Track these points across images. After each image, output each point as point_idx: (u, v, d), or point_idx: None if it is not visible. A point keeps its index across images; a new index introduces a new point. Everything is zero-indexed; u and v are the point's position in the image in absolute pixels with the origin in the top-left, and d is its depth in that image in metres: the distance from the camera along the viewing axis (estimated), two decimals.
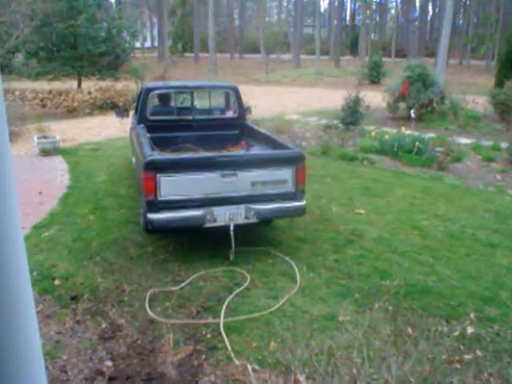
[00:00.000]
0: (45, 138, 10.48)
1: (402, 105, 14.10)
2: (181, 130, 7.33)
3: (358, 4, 60.30)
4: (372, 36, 51.90)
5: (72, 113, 16.86)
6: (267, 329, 3.91)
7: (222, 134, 7.42)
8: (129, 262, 5.16)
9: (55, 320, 4.11)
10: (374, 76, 26.33)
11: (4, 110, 0.77)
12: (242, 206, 5.15)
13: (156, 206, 4.93)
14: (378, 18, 55.92)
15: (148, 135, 6.33)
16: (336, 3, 50.52)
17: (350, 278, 4.79)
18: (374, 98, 14.22)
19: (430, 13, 56.95)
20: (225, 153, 6.48)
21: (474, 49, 40.92)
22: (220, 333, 3.85)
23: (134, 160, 7.20)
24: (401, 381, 2.46)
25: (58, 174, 8.70)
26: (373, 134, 11.10)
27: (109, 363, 3.57)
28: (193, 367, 3.48)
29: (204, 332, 3.89)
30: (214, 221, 5.11)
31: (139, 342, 3.81)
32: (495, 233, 6.05)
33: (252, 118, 11.88)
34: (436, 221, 6.40)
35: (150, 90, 7.38)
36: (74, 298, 4.46)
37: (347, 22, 65.77)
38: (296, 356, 2.87)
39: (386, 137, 10.18)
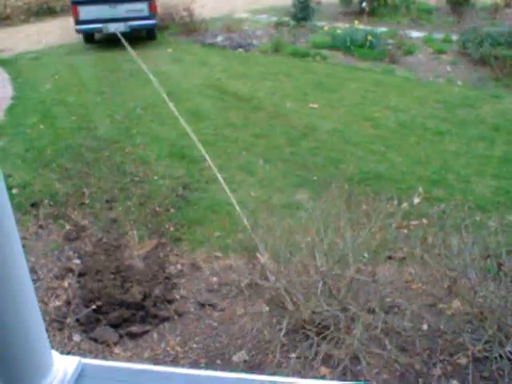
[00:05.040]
0: None
1: None
2: None
3: None
4: None
5: (6, 21, 15.67)
6: (228, 220, 4.05)
7: None
8: (85, 166, 5.13)
9: (18, 227, 4.09)
10: None
11: None
12: (122, 23, 9.84)
13: (79, 22, 9.94)
14: None
15: None
16: None
17: (305, 168, 4.93)
18: None
19: None
20: None
21: None
22: (183, 225, 3.98)
23: None
24: (355, 249, 2.65)
25: None
26: (325, 29, 10.88)
27: (77, 261, 3.67)
28: (159, 258, 3.63)
29: (167, 226, 4.01)
30: (108, 30, 9.90)
31: (104, 240, 3.90)
32: (444, 122, 6.25)
33: (200, 17, 11.47)
34: (388, 112, 6.54)
35: None
36: (34, 205, 4.45)
37: None
38: (258, 238, 3.02)
39: (339, 31, 10.03)
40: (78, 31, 10.33)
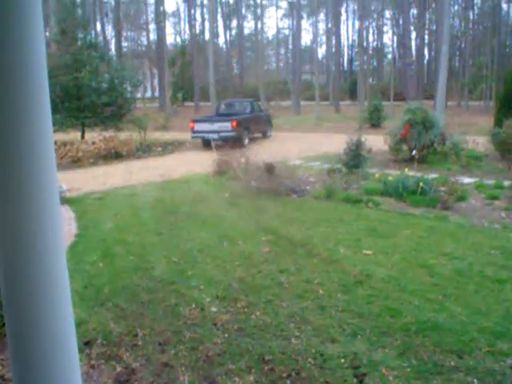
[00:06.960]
0: None
1: (404, 147, 14.33)
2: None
3: (355, 50, 61.93)
4: (370, 80, 52.95)
5: (77, 163, 17.15)
6: None
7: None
8: (140, 307, 5.21)
9: None
10: (375, 120, 26.73)
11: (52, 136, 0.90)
12: (216, 134, 18.65)
13: (193, 132, 19.93)
14: (375, 63, 57.25)
15: None
16: (333, 50, 51.79)
17: (361, 317, 4.82)
18: (376, 142, 14.44)
19: (427, 56, 58.28)
20: (218, 117, 20.90)
21: (472, 90, 41.72)
22: (235, 373, 3.87)
23: None
24: None
25: (65, 223, 8.79)
26: (376, 176, 11.24)
27: None
28: None
29: (218, 372, 3.91)
30: (208, 137, 18.84)
31: None
32: (503, 269, 6.07)
33: (256, 165, 12.16)
34: (443, 259, 6.44)
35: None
36: (88, 344, 4.49)
37: (345, 68, 67.32)
38: None
39: (390, 178, 10.32)
40: (193, 137, 20.01)
